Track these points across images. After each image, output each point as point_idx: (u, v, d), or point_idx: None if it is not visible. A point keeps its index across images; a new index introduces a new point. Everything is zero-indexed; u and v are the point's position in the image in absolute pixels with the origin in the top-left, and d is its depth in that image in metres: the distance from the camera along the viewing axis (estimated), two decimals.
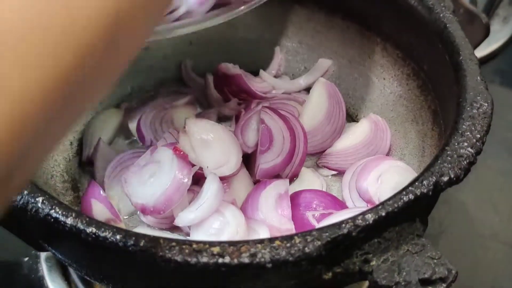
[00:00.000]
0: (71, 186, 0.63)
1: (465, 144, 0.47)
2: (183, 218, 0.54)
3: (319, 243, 0.40)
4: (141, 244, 0.40)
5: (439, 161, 0.45)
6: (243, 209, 0.57)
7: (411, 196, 0.43)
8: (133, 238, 0.40)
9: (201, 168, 0.57)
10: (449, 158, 0.46)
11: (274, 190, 0.58)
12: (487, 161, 0.80)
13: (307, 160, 0.65)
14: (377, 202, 0.43)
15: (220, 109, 0.71)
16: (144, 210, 0.55)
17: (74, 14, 0.26)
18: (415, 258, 0.41)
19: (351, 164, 0.64)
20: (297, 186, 0.62)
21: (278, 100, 0.70)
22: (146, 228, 0.58)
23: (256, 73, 0.74)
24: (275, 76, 0.76)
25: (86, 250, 0.45)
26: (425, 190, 0.43)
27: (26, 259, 0.66)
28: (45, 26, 0.25)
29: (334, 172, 0.66)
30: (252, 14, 0.70)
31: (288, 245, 0.39)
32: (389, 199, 0.43)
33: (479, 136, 0.47)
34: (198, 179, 0.58)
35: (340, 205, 0.59)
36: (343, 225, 0.41)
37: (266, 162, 0.61)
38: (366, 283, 0.64)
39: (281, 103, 0.69)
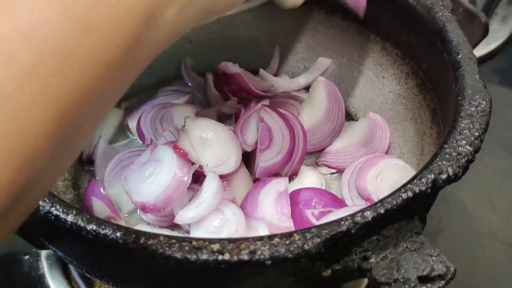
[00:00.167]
0: (72, 184, 0.63)
1: (464, 142, 0.47)
2: (183, 216, 0.54)
3: (318, 240, 0.40)
4: (141, 241, 0.40)
5: (437, 159, 0.46)
6: (243, 207, 0.58)
7: (410, 194, 0.43)
8: (133, 235, 0.40)
9: (201, 167, 0.57)
10: (448, 156, 0.46)
11: (274, 188, 0.58)
12: (486, 160, 0.80)
13: (306, 158, 0.66)
14: (376, 200, 0.44)
15: (220, 107, 0.71)
16: (144, 208, 0.55)
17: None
18: (414, 255, 0.41)
19: (350, 162, 0.65)
20: (296, 184, 0.63)
21: (278, 99, 0.71)
22: (146, 226, 0.59)
23: (256, 72, 0.75)
24: (275, 75, 0.76)
25: (87, 248, 0.45)
26: (423, 188, 0.44)
27: (26, 257, 0.67)
28: None
29: (333, 171, 0.66)
30: (252, 13, 0.71)
31: (288, 242, 0.39)
32: (387, 197, 0.43)
33: (477, 134, 0.48)
34: (198, 177, 0.58)
35: (339, 203, 0.60)
36: (342, 222, 0.41)
37: (265, 160, 0.61)
38: (365, 280, 0.64)
39: (280, 102, 0.70)
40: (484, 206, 0.76)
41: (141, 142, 0.68)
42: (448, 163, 0.45)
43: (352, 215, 0.41)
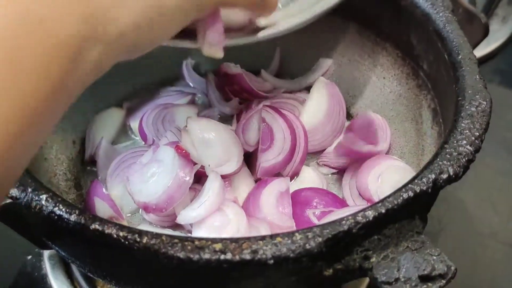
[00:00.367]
0: (74, 184, 0.64)
1: (464, 142, 0.47)
2: (185, 216, 0.55)
3: (320, 239, 0.40)
4: (144, 241, 0.40)
5: (438, 159, 0.46)
6: (245, 207, 0.58)
7: (411, 193, 0.43)
8: (136, 235, 0.40)
9: (202, 167, 0.57)
10: (448, 156, 0.46)
11: (275, 188, 0.59)
12: (486, 160, 0.80)
13: (307, 158, 0.66)
14: (376, 201, 0.44)
15: (221, 108, 0.71)
16: (146, 208, 0.56)
17: None
18: (415, 254, 0.41)
19: (351, 163, 0.65)
20: (297, 185, 0.63)
21: (279, 99, 0.71)
22: (148, 226, 0.59)
23: (257, 73, 0.75)
24: (276, 76, 0.76)
25: (89, 247, 0.46)
26: (424, 187, 0.44)
27: (29, 257, 0.67)
28: None
29: (334, 171, 0.66)
30: None
31: (289, 241, 0.40)
32: (388, 196, 0.43)
33: (477, 134, 0.48)
34: (200, 178, 0.59)
35: (341, 203, 0.60)
36: (344, 222, 0.41)
37: (267, 160, 0.61)
38: (366, 279, 0.64)
39: (282, 102, 0.70)
40: (484, 206, 0.76)
41: (143, 142, 0.68)
42: (448, 163, 0.45)
43: (354, 215, 0.41)
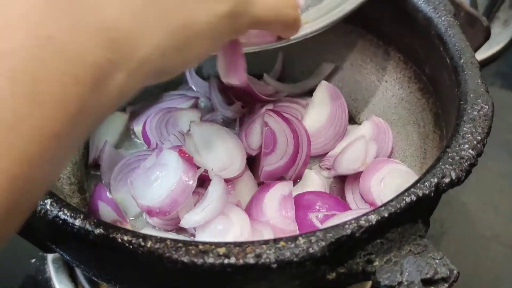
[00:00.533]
0: (78, 188, 0.64)
1: (466, 146, 0.47)
2: (188, 220, 0.55)
3: (323, 243, 0.40)
4: (149, 245, 0.40)
5: (440, 163, 0.46)
6: (248, 210, 0.58)
7: (413, 197, 0.43)
8: (141, 239, 0.41)
9: (206, 171, 0.58)
10: (451, 160, 0.46)
11: (278, 192, 0.59)
12: (488, 163, 0.80)
13: (310, 162, 0.66)
14: (379, 205, 0.44)
15: (224, 112, 0.71)
16: (150, 212, 0.56)
17: None
18: (418, 258, 0.42)
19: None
20: (300, 188, 0.63)
21: (282, 103, 0.71)
22: (152, 229, 0.59)
23: (259, 77, 0.75)
24: (279, 80, 0.77)
25: (94, 251, 0.46)
26: (426, 191, 0.44)
27: (33, 260, 0.67)
28: None
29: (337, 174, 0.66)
30: None
31: (293, 245, 0.40)
32: (391, 200, 0.43)
33: (480, 138, 0.48)
34: (203, 181, 0.59)
35: (343, 206, 0.60)
36: (347, 226, 0.41)
37: (270, 164, 0.61)
38: (369, 283, 0.65)
39: (284, 106, 0.70)
40: (486, 209, 0.77)
41: (147, 146, 0.69)
42: (451, 167, 0.46)
43: (357, 219, 0.42)
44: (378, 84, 0.72)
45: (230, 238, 0.53)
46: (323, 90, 0.69)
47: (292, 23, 0.46)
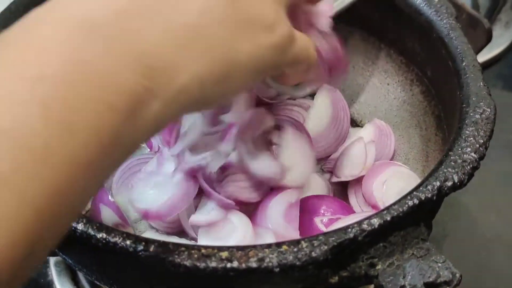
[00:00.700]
0: None
1: (469, 149, 0.47)
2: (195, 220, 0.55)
3: (325, 247, 0.40)
4: (151, 249, 0.40)
5: (443, 166, 0.46)
6: (253, 215, 0.58)
7: (416, 201, 0.43)
8: (143, 243, 0.41)
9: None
10: (453, 163, 0.46)
11: (285, 199, 0.57)
12: (490, 165, 0.80)
13: None
14: (382, 207, 0.44)
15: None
16: (146, 215, 0.55)
17: None
18: (420, 262, 0.42)
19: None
20: (303, 191, 0.63)
21: (284, 106, 0.71)
22: (154, 233, 0.59)
23: None
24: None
25: (96, 255, 0.46)
26: (429, 195, 0.44)
27: None
28: None
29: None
30: None
31: (295, 249, 0.40)
32: (394, 204, 0.43)
33: (482, 141, 0.48)
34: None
35: (348, 210, 0.60)
36: (349, 229, 0.41)
37: None
38: (372, 287, 0.64)
39: (286, 109, 0.70)
40: (489, 211, 0.76)
41: (149, 150, 0.69)
42: (453, 170, 0.46)
43: (359, 223, 0.42)
44: (380, 86, 0.71)
45: (232, 242, 0.53)
46: (324, 93, 0.69)
47: (314, 64, 0.45)
